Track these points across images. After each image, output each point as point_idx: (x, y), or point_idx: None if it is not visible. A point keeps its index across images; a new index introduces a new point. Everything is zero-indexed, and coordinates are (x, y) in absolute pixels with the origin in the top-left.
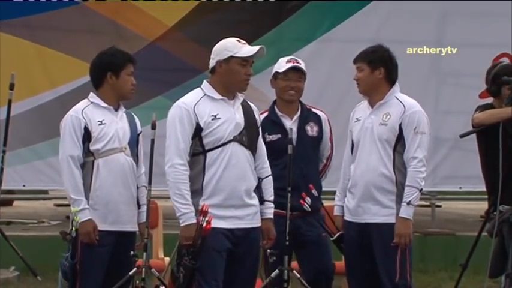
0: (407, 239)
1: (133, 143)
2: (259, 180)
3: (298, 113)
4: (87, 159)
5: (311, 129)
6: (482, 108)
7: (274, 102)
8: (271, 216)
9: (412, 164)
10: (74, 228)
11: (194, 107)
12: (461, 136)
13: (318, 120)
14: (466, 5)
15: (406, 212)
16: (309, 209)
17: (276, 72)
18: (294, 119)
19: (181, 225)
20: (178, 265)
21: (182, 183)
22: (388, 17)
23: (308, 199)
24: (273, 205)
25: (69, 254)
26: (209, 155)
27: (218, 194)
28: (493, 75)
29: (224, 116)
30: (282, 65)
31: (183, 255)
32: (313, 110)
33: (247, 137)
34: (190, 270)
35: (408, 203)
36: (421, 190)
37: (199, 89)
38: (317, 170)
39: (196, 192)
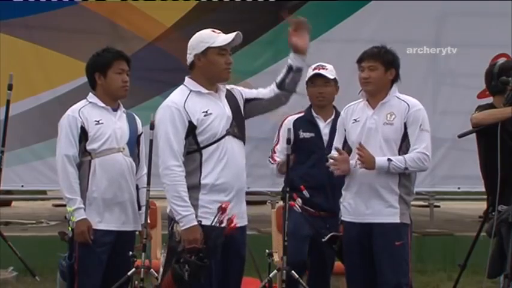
0: (364, 164)
1: (133, 143)
2: None
3: (332, 116)
4: (84, 159)
5: None
6: (482, 108)
7: (310, 106)
8: None
9: (420, 152)
10: (70, 228)
11: (184, 105)
12: (460, 136)
13: None
14: (466, 5)
15: (381, 162)
16: (299, 210)
17: (306, 81)
18: (327, 121)
19: (183, 228)
20: (179, 262)
21: (180, 185)
22: (387, 17)
23: (299, 200)
24: None
25: (67, 254)
26: (205, 151)
27: (215, 191)
28: (497, 69)
29: (215, 111)
30: (309, 72)
31: (182, 253)
32: None
33: (237, 128)
34: (199, 268)
35: (389, 161)
36: (405, 169)
37: (183, 86)
38: None
39: (193, 187)
